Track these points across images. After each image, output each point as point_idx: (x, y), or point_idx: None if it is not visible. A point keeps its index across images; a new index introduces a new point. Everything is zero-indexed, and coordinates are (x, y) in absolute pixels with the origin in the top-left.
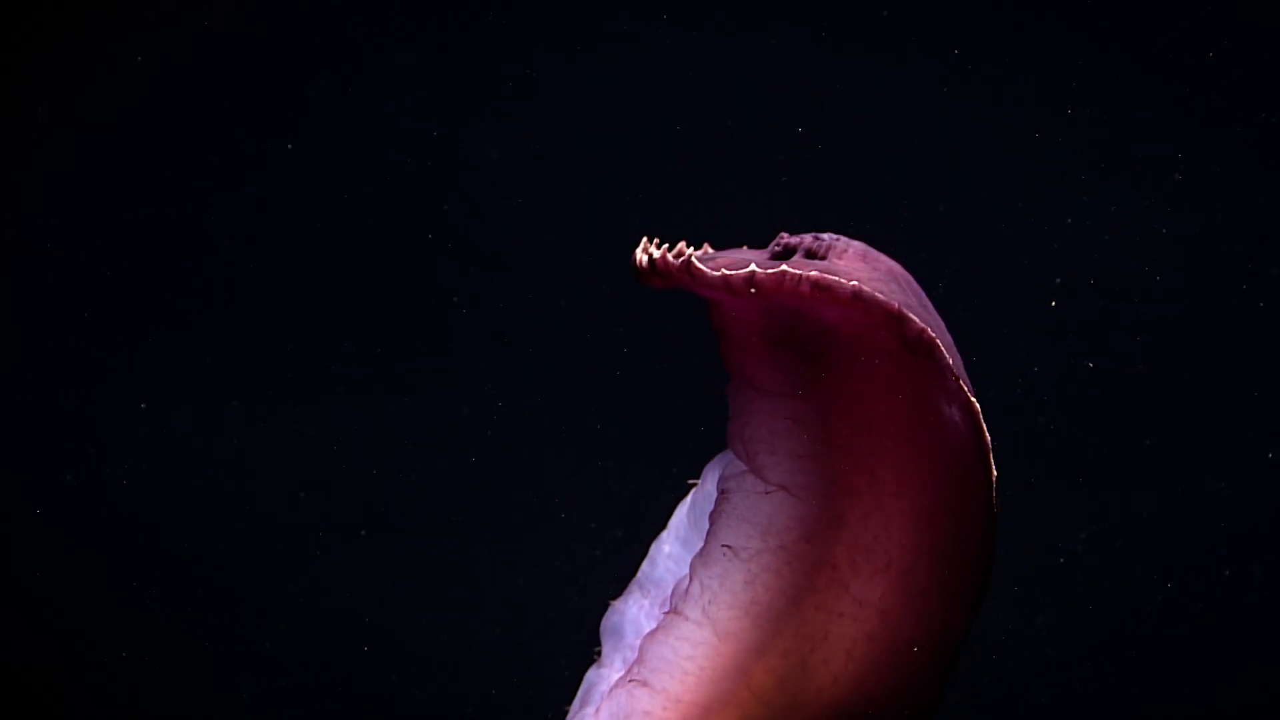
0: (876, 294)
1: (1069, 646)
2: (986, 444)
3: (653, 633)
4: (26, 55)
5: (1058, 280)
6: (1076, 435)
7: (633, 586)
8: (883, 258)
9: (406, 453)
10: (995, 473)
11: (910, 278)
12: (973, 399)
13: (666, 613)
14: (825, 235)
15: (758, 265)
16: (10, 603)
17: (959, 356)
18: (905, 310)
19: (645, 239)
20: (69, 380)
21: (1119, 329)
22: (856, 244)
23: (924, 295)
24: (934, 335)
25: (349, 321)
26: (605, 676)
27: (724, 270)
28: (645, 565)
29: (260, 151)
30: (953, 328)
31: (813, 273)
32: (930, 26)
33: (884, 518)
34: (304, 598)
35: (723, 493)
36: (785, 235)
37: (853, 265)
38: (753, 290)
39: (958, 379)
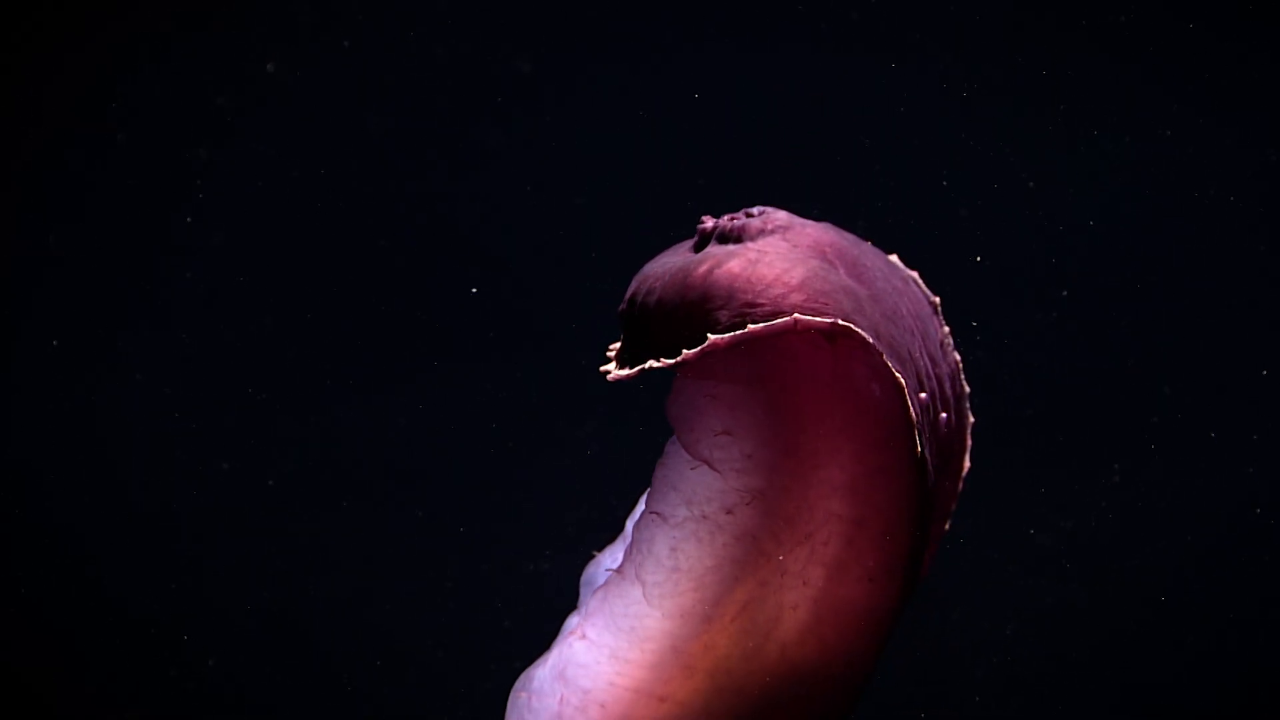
0: (771, 325)
1: (1068, 646)
2: (912, 420)
3: (597, 589)
4: (26, 55)
5: (1058, 286)
6: (1078, 434)
7: (618, 540)
8: (808, 227)
9: (406, 453)
10: (921, 449)
11: (840, 242)
12: (898, 375)
13: (611, 570)
14: (755, 210)
15: (677, 263)
16: (10, 602)
17: (910, 321)
18: (801, 316)
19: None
20: (69, 380)
21: (1117, 326)
22: (779, 216)
23: (860, 255)
24: (847, 322)
25: (349, 322)
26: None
27: (628, 371)
28: (629, 520)
29: (261, 151)
30: (949, 325)
31: (711, 336)
32: (930, 27)
33: (804, 490)
34: (303, 597)
35: (663, 457)
36: (707, 219)
37: (767, 246)
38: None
39: (882, 355)
